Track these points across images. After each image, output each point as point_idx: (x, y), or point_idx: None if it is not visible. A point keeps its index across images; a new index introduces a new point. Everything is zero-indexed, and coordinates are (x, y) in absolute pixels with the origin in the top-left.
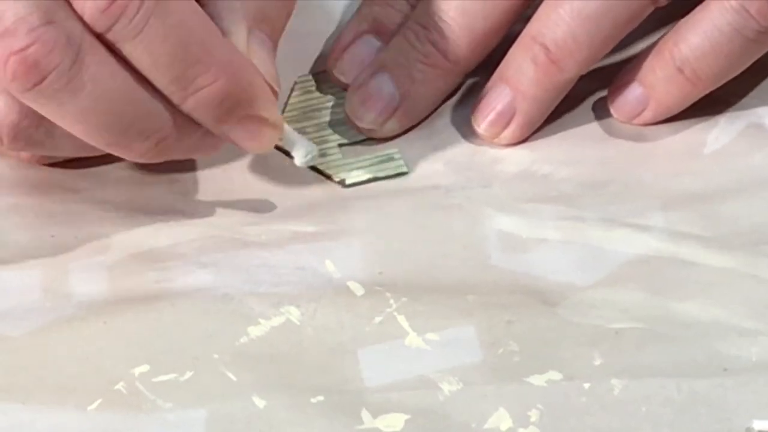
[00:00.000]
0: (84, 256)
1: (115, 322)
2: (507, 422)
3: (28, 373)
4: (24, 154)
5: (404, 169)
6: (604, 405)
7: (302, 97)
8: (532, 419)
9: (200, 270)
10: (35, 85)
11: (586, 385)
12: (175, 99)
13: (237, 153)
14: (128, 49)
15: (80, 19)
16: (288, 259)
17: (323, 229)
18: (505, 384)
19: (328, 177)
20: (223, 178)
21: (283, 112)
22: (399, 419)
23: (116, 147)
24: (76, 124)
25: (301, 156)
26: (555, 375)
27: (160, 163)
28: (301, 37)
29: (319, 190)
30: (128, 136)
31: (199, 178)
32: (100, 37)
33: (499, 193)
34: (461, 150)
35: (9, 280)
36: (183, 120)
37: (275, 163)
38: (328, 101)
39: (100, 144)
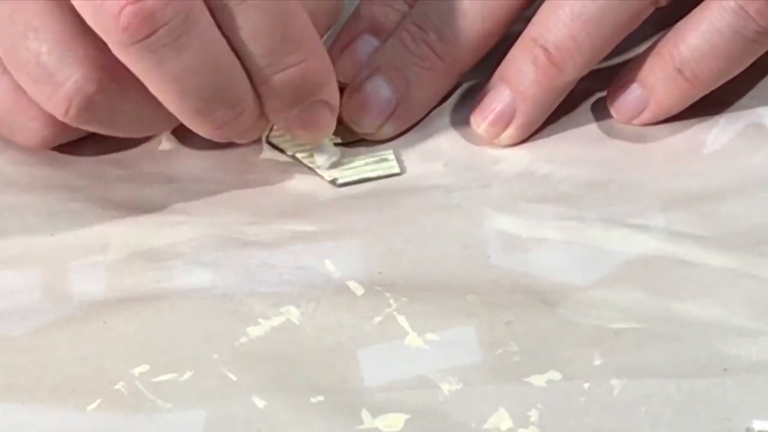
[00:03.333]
0: (84, 255)
1: (114, 321)
2: (507, 422)
3: (28, 373)
4: (30, 138)
5: (397, 170)
6: (603, 405)
7: None
8: (532, 419)
9: (200, 269)
10: (145, 38)
11: (586, 385)
12: (265, 72)
13: (237, 153)
14: (232, 14)
15: None
16: (288, 258)
17: (323, 229)
18: (505, 384)
19: (320, 176)
20: (223, 178)
21: None
22: (399, 419)
23: (198, 115)
24: (169, 85)
25: (324, 159)
26: (555, 375)
27: (159, 163)
28: None
29: (319, 190)
30: (214, 103)
31: (199, 177)
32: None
33: (498, 193)
34: (461, 150)
35: (9, 280)
36: (255, 97)
37: (275, 163)
38: None
39: (184, 110)
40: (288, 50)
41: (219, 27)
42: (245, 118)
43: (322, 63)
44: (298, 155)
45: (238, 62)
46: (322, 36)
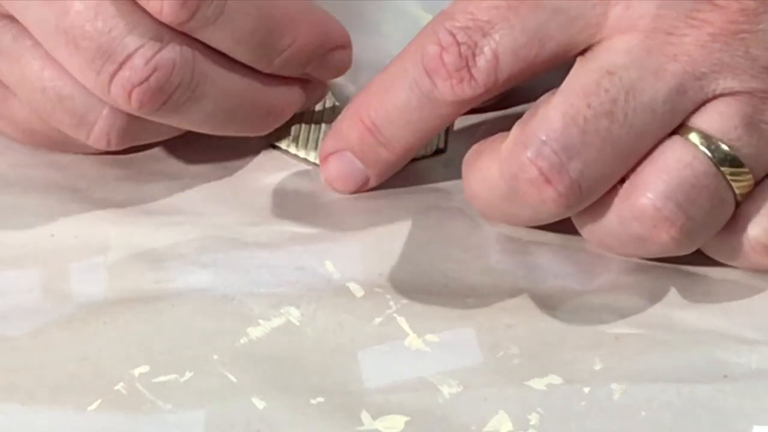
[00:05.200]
0: (84, 256)
1: (114, 322)
2: (507, 425)
3: (28, 373)
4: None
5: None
6: (603, 409)
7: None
8: (532, 422)
9: (200, 270)
10: (162, 105)
11: (586, 389)
12: (262, 65)
13: (238, 153)
14: (210, 34)
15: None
16: (288, 259)
17: (323, 230)
18: (505, 387)
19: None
20: (223, 178)
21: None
22: (399, 421)
23: (244, 132)
24: (204, 125)
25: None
26: (555, 379)
27: (159, 163)
28: None
29: (319, 191)
30: (251, 120)
31: (199, 177)
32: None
33: None
34: (461, 152)
35: (9, 280)
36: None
37: (275, 164)
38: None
39: (231, 133)
40: (278, 36)
41: (213, 50)
42: (280, 110)
43: (319, 27)
44: (310, 157)
45: (254, 77)
46: None
